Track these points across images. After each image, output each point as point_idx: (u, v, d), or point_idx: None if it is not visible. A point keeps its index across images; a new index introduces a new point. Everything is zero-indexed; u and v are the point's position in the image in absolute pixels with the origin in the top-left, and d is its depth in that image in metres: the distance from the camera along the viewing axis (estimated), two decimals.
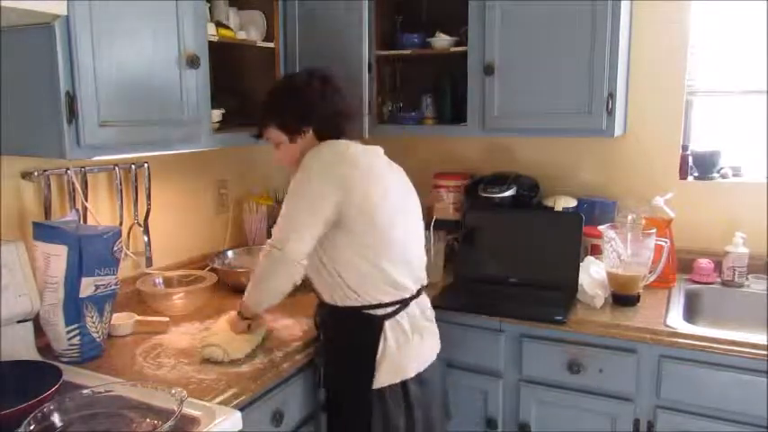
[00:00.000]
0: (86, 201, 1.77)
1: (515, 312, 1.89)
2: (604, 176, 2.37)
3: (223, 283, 2.05)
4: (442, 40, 2.23)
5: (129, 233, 1.92)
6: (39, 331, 1.54)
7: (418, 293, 1.61)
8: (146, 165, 1.92)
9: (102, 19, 1.41)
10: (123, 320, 1.72)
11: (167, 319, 1.80)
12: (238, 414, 1.29)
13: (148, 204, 1.94)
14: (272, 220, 2.43)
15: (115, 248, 1.55)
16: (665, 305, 1.92)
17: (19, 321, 1.49)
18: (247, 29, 2.04)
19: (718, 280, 2.11)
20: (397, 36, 2.34)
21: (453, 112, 2.33)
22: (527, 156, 2.47)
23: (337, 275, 1.52)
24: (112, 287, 1.58)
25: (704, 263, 2.11)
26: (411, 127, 2.36)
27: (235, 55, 2.06)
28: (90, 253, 1.49)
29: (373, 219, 1.49)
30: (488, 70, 2.07)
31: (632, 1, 2.16)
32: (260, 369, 1.50)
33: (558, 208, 2.26)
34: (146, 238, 1.95)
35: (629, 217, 2.00)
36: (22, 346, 1.49)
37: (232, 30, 1.93)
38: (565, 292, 1.97)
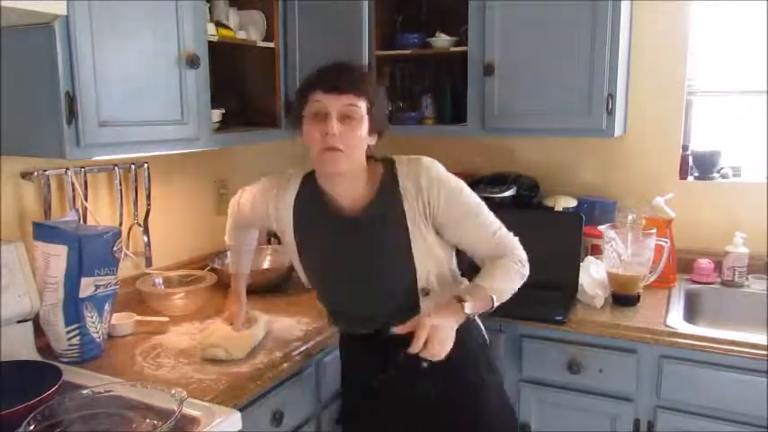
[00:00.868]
0: (86, 201, 1.77)
1: (515, 312, 1.89)
2: (604, 176, 2.37)
3: (223, 283, 2.04)
4: (441, 40, 2.23)
5: (128, 233, 1.92)
6: (39, 331, 1.54)
7: None
8: (146, 165, 1.92)
9: (102, 19, 1.41)
10: (123, 320, 1.72)
11: (167, 319, 1.80)
12: (238, 414, 1.28)
13: (148, 204, 1.94)
14: None
15: (115, 248, 1.55)
16: (665, 305, 1.92)
17: (19, 321, 1.49)
18: (247, 29, 2.04)
19: (719, 280, 2.11)
20: (397, 36, 2.34)
21: (453, 112, 2.33)
22: (527, 156, 2.47)
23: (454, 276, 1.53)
24: (112, 287, 1.58)
25: (704, 263, 2.11)
26: (411, 127, 2.36)
27: (235, 55, 2.06)
28: (90, 253, 1.49)
29: None
30: (488, 70, 2.07)
31: (632, 1, 2.16)
32: (260, 369, 1.50)
33: (558, 208, 2.26)
34: (145, 238, 1.95)
35: (629, 217, 2.00)
36: (22, 346, 1.49)
37: (232, 30, 1.93)
38: (565, 292, 1.97)
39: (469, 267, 1.54)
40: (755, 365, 1.63)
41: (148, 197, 1.94)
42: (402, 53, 2.32)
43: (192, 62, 1.65)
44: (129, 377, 1.43)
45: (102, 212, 1.86)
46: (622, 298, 1.92)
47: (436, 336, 1.29)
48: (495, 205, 2.24)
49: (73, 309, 1.50)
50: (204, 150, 1.82)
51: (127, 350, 1.62)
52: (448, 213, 1.40)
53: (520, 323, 1.88)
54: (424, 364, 1.32)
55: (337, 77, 1.35)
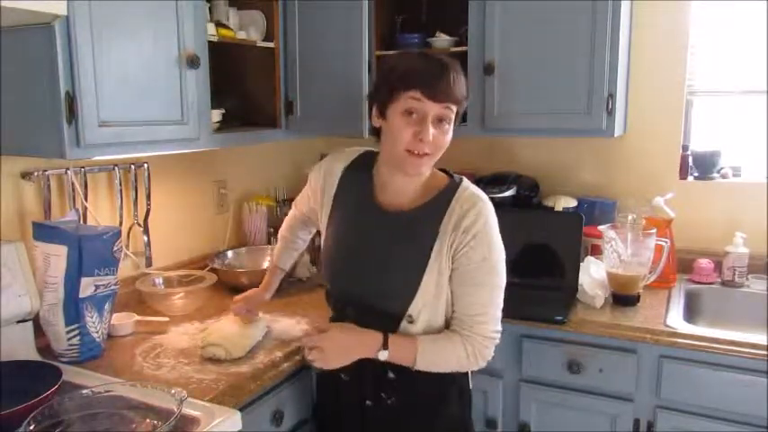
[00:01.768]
0: (86, 201, 1.77)
1: (515, 312, 1.89)
2: (604, 176, 2.37)
3: (223, 283, 2.05)
4: (441, 40, 2.23)
5: (128, 233, 1.92)
6: (39, 331, 1.54)
7: None
8: (146, 165, 1.92)
9: (102, 19, 1.41)
10: (123, 320, 1.72)
11: (167, 319, 1.80)
12: (238, 414, 1.28)
13: (148, 204, 1.94)
14: (271, 220, 2.44)
15: (115, 248, 1.55)
16: (665, 305, 1.92)
17: (19, 321, 1.49)
18: (247, 29, 2.04)
19: (718, 280, 2.11)
20: (397, 36, 2.34)
21: None
22: (527, 156, 2.47)
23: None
24: (112, 287, 1.58)
25: (704, 263, 2.11)
26: None
27: (235, 55, 2.06)
28: (90, 253, 1.49)
29: None
30: (488, 70, 2.07)
31: (632, 1, 2.16)
32: (260, 369, 1.50)
33: (558, 208, 2.26)
34: (145, 238, 1.95)
35: (629, 217, 2.00)
36: (22, 346, 1.49)
37: (232, 30, 1.93)
38: (565, 292, 1.97)
39: None
40: (755, 365, 1.63)
41: (148, 197, 1.94)
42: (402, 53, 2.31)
43: (192, 62, 1.65)
44: (129, 377, 1.43)
45: (102, 212, 1.86)
46: (622, 298, 1.92)
47: (326, 346, 1.36)
48: (495, 205, 2.27)
49: (73, 309, 1.50)
50: (204, 150, 1.82)
51: (127, 350, 1.62)
52: (460, 263, 1.35)
53: (520, 323, 1.88)
54: (391, 375, 1.39)
55: (441, 83, 1.31)
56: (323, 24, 2.05)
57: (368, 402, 1.44)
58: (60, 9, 1.28)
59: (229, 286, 2.06)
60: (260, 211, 2.39)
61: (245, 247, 2.31)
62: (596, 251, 2.14)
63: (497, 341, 1.40)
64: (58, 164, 1.67)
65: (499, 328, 1.40)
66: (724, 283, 2.09)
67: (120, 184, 1.87)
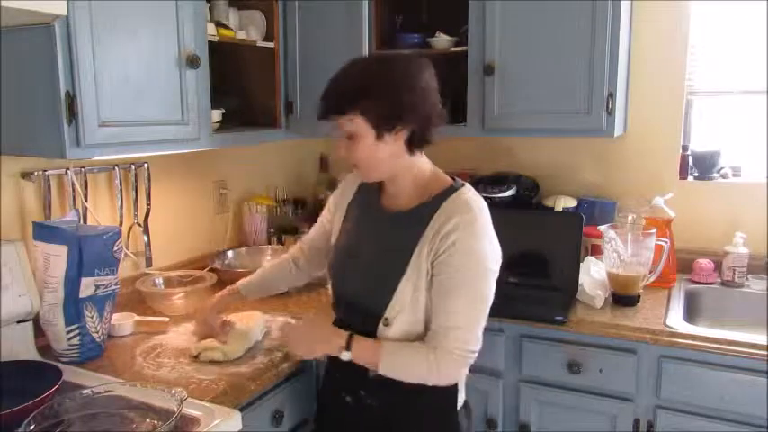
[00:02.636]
0: (86, 201, 1.77)
1: (515, 312, 1.89)
2: (604, 176, 2.37)
3: (223, 283, 2.04)
4: (441, 40, 2.23)
5: (128, 233, 1.92)
6: (39, 331, 1.54)
7: None
8: (146, 165, 1.92)
9: (102, 19, 1.41)
10: (123, 320, 1.72)
11: (167, 319, 1.80)
12: (238, 414, 1.29)
13: (148, 204, 1.94)
14: (271, 220, 2.44)
15: (115, 248, 1.55)
16: (665, 305, 1.92)
17: (19, 321, 1.49)
18: (247, 29, 2.04)
19: (718, 280, 2.11)
20: (397, 36, 2.34)
21: (453, 112, 2.32)
22: (527, 156, 2.47)
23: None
24: (112, 287, 1.58)
25: (704, 263, 2.11)
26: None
27: (235, 55, 2.06)
28: (90, 253, 1.49)
29: None
30: (488, 70, 2.07)
31: (632, 1, 2.16)
32: (260, 369, 1.50)
33: (558, 208, 2.26)
34: (146, 238, 1.95)
35: (629, 217, 2.00)
36: (22, 346, 1.49)
37: (232, 30, 1.94)
38: (565, 292, 1.97)
39: None
40: (755, 365, 1.63)
41: (148, 197, 1.94)
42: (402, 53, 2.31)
43: (192, 62, 1.66)
44: (129, 377, 1.43)
45: (102, 212, 1.86)
46: (622, 298, 1.91)
47: (292, 336, 1.48)
48: (495, 205, 2.28)
49: (73, 309, 1.50)
50: (204, 150, 1.82)
51: (127, 350, 1.62)
52: (439, 271, 1.30)
53: (520, 323, 1.88)
54: (371, 374, 1.36)
55: (323, 99, 1.31)
56: (323, 24, 2.06)
57: (347, 399, 1.43)
58: (60, 9, 1.28)
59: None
60: (260, 211, 2.39)
61: (245, 247, 2.31)
62: (596, 251, 2.14)
63: (469, 360, 1.31)
64: (57, 164, 1.67)
65: (473, 347, 1.31)
66: (724, 283, 2.09)
67: (120, 184, 1.87)
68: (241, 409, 1.34)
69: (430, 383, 1.32)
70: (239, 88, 2.15)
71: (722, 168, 2.26)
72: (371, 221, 1.45)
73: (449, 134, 2.37)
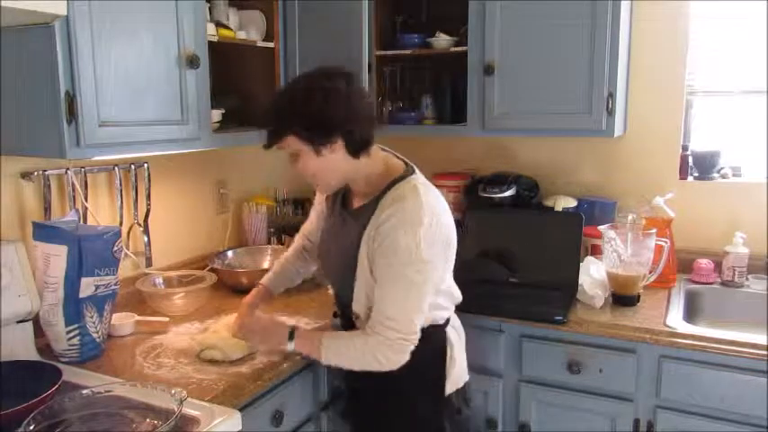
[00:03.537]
0: (86, 201, 1.77)
1: (515, 312, 1.89)
2: (604, 176, 2.37)
3: (223, 283, 2.05)
4: (441, 40, 2.23)
5: (128, 233, 1.92)
6: (39, 331, 1.54)
7: None
8: (146, 165, 1.92)
9: (102, 19, 1.41)
10: (123, 320, 1.72)
11: (167, 319, 1.80)
12: (238, 414, 1.28)
13: (148, 204, 1.94)
14: (271, 220, 2.43)
15: (115, 248, 1.55)
16: (665, 305, 1.92)
17: (19, 321, 1.49)
18: (247, 29, 2.04)
19: (718, 280, 2.11)
20: (397, 36, 2.34)
21: (453, 112, 2.33)
22: (527, 156, 2.47)
23: None
24: (112, 287, 1.58)
25: (704, 263, 2.11)
26: (411, 127, 2.36)
27: (235, 55, 2.06)
28: (90, 253, 1.49)
29: (453, 251, 1.45)
30: (488, 70, 2.07)
31: (632, 1, 2.16)
32: (260, 369, 1.50)
33: (558, 208, 2.26)
34: (146, 238, 1.95)
35: (629, 217, 2.00)
36: (21, 346, 1.49)
37: (232, 30, 1.93)
38: (565, 292, 1.97)
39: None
40: (755, 365, 1.63)
41: (148, 197, 1.94)
42: (402, 53, 2.32)
43: (192, 62, 1.65)
44: (129, 377, 1.43)
45: (102, 212, 1.86)
46: (622, 298, 1.91)
47: (245, 331, 1.53)
48: (495, 205, 2.29)
49: (73, 309, 1.50)
50: (204, 150, 1.82)
51: (127, 350, 1.62)
52: (374, 263, 1.36)
53: (520, 323, 1.88)
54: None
55: (266, 133, 1.40)
56: (323, 24, 2.06)
57: (344, 387, 1.54)
58: (60, 9, 1.28)
59: (229, 286, 2.06)
60: (260, 211, 2.39)
61: (244, 247, 2.31)
62: (596, 251, 2.14)
63: (405, 348, 1.35)
64: (57, 164, 1.67)
65: (409, 336, 1.34)
66: (724, 283, 2.09)
67: (120, 184, 1.86)
68: (241, 409, 1.34)
69: (374, 369, 1.36)
70: (239, 88, 2.14)
71: (722, 168, 2.26)
72: (336, 221, 1.54)
73: (449, 134, 2.39)
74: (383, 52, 2.29)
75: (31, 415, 1.13)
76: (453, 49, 2.21)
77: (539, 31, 1.99)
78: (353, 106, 1.36)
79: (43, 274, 1.50)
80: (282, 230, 2.45)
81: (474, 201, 2.32)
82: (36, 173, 1.65)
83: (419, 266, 1.33)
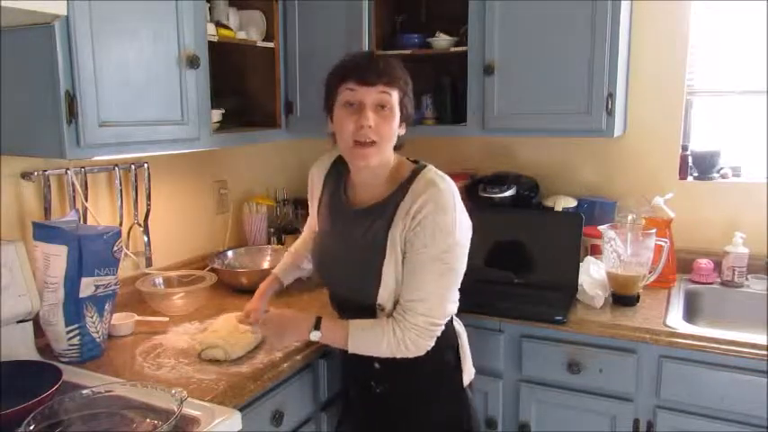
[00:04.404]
0: (86, 201, 1.77)
1: (515, 312, 1.89)
2: (604, 176, 2.37)
3: (223, 283, 2.05)
4: (441, 40, 2.23)
5: (128, 233, 1.92)
6: (39, 331, 1.54)
7: None
8: (146, 165, 1.92)
9: (102, 19, 1.41)
10: (123, 320, 1.72)
11: (167, 319, 1.80)
12: (238, 414, 1.29)
13: (148, 204, 1.94)
14: (271, 220, 2.44)
15: (115, 248, 1.55)
16: (664, 305, 1.92)
17: (19, 321, 1.49)
18: (247, 29, 2.04)
19: (718, 280, 2.11)
20: (397, 36, 2.34)
21: (453, 112, 2.33)
22: (527, 156, 2.47)
23: None
24: (112, 287, 1.58)
25: (704, 263, 2.11)
26: (411, 127, 2.35)
27: (235, 55, 2.06)
28: (90, 253, 1.49)
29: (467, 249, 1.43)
30: (488, 70, 2.07)
31: (632, 1, 2.16)
32: (260, 369, 1.50)
33: (558, 208, 2.26)
34: (146, 238, 1.95)
35: (629, 217, 2.00)
36: (22, 346, 1.49)
37: (232, 30, 1.94)
38: (565, 292, 1.97)
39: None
40: (755, 365, 1.63)
41: (148, 197, 1.94)
42: (402, 53, 2.31)
43: (192, 62, 1.66)
44: (129, 377, 1.43)
45: (102, 212, 1.86)
46: (622, 298, 1.91)
47: (264, 329, 1.53)
48: (495, 205, 2.29)
49: (73, 309, 1.50)
50: (204, 150, 1.82)
51: (127, 350, 1.62)
52: (408, 249, 1.36)
53: (520, 323, 1.88)
54: (376, 365, 1.45)
55: (370, 67, 1.35)
56: (323, 24, 2.06)
57: (361, 390, 1.52)
58: (60, 9, 1.28)
59: (229, 286, 2.06)
60: (260, 211, 2.39)
61: (245, 247, 2.31)
62: (596, 251, 2.14)
63: (434, 332, 1.37)
64: (57, 164, 1.67)
65: (438, 320, 1.37)
66: (724, 283, 2.09)
67: (120, 184, 1.87)
68: (241, 409, 1.34)
69: (400, 356, 1.37)
70: (239, 88, 2.15)
71: (722, 168, 2.26)
72: (342, 220, 1.51)
73: (449, 134, 2.39)
74: (383, 52, 2.28)
75: (31, 415, 1.13)
76: (453, 48, 2.21)
77: (539, 31, 1.99)
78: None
79: (43, 274, 1.50)
80: (282, 230, 2.45)
81: (474, 201, 2.31)
82: (36, 173, 1.65)
83: (455, 250, 1.35)
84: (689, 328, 1.75)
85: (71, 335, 1.51)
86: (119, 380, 1.39)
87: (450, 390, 1.51)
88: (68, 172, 1.71)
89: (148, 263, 1.97)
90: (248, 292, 1.98)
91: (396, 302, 1.40)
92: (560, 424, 1.88)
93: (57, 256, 1.48)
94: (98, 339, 1.56)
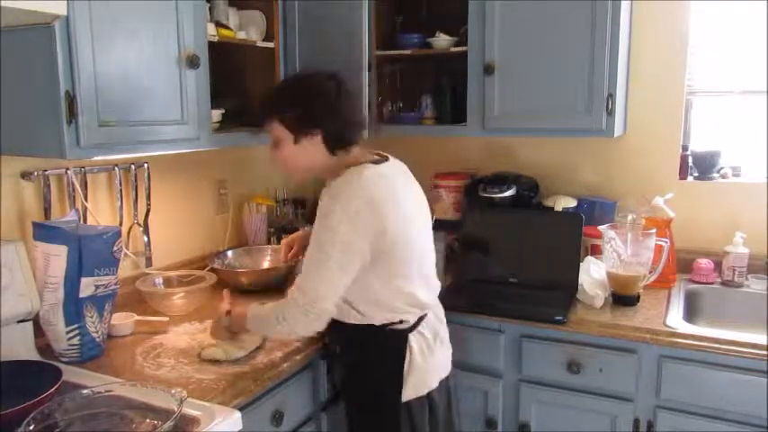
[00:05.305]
0: (86, 201, 1.77)
1: (515, 312, 1.89)
2: (604, 176, 2.37)
3: (223, 282, 2.04)
4: (441, 40, 2.23)
5: (128, 233, 1.92)
6: (39, 331, 1.54)
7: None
8: (146, 165, 1.92)
9: (102, 19, 1.41)
10: (123, 320, 1.72)
11: (167, 319, 1.80)
12: (238, 414, 1.29)
13: (148, 204, 1.94)
14: (271, 220, 2.44)
15: (115, 248, 1.55)
16: (665, 305, 1.92)
17: (19, 321, 1.49)
18: (247, 29, 2.04)
19: (718, 280, 2.11)
20: (397, 36, 2.34)
21: (453, 112, 2.33)
22: (527, 156, 2.47)
23: (350, 305, 1.49)
24: (112, 287, 1.58)
25: (704, 263, 2.11)
26: (411, 127, 2.36)
27: (235, 55, 2.05)
28: (90, 253, 1.49)
29: (398, 248, 1.44)
30: (488, 70, 2.07)
31: (632, 1, 2.16)
32: (260, 369, 1.50)
33: (558, 208, 2.26)
34: (145, 238, 1.95)
35: (629, 217, 2.00)
36: (22, 346, 1.49)
37: (232, 30, 1.93)
38: (565, 292, 1.97)
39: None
40: (755, 365, 1.63)
41: (148, 197, 1.94)
42: (402, 53, 2.32)
43: (192, 62, 1.65)
44: (129, 377, 1.43)
45: (102, 212, 1.86)
46: (622, 298, 1.91)
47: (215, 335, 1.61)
48: (495, 205, 2.29)
49: (73, 309, 1.50)
50: (204, 150, 1.82)
51: (127, 350, 1.62)
52: None
53: (520, 323, 1.88)
54: (336, 349, 1.59)
55: (258, 115, 1.52)
56: (323, 24, 2.05)
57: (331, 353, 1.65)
58: (60, 9, 1.28)
59: (229, 286, 2.06)
60: (260, 211, 2.39)
61: (244, 247, 2.31)
62: (596, 251, 2.14)
63: (311, 313, 1.38)
64: (57, 164, 1.67)
65: (310, 302, 1.38)
66: (724, 283, 2.09)
67: (120, 184, 1.86)
68: (241, 409, 1.33)
69: (283, 333, 1.46)
70: (239, 88, 2.14)
71: (722, 168, 2.26)
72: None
73: (449, 134, 2.39)
74: (383, 52, 2.29)
75: (31, 415, 1.13)
76: (453, 48, 2.21)
77: (539, 31, 1.99)
78: (338, 105, 1.47)
79: (43, 274, 1.50)
80: (282, 230, 2.45)
81: (474, 201, 2.32)
82: (36, 173, 1.65)
83: (334, 239, 1.37)
84: (689, 328, 1.75)
85: (71, 335, 1.51)
86: (119, 380, 1.39)
87: (389, 401, 1.49)
88: (68, 172, 1.71)
89: (148, 263, 1.97)
90: (248, 291, 1.99)
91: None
92: (560, 424, 1.88)
93: (57, 256, 1.48)
94: (98, 339, 1.56)
